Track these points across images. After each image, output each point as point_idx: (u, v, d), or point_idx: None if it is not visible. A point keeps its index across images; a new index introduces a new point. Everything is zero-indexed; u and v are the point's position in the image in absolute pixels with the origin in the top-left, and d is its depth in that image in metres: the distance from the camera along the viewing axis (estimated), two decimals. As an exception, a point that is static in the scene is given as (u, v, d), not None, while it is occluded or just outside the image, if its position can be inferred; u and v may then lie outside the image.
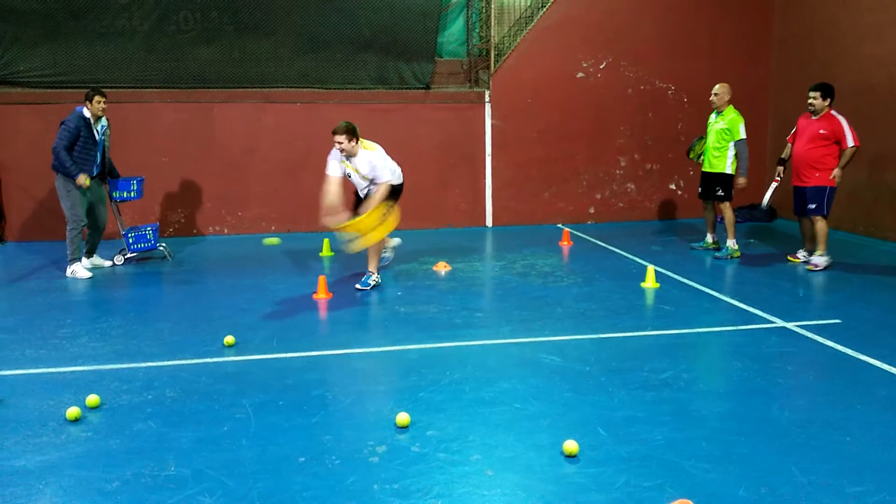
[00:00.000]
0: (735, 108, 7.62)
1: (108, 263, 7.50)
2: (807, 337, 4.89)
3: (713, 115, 7.75)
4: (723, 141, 7.52)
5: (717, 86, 7.66)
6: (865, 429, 3.44)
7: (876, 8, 8.59)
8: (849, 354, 4.51)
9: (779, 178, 7.37)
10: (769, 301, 5.85)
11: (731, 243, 7.61)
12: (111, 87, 8.81)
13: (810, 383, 4.11)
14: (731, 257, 7.54)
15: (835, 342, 4.73)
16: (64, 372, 4.33)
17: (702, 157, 7.90)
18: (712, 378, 4.22)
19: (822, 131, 6.88)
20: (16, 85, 8.94)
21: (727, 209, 7.65)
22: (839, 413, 3.63)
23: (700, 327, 5.15)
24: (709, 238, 8.08)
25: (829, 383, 4.09)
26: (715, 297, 6.03)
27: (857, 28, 8.91)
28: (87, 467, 3.11)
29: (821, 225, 7.00)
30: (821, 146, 6.90)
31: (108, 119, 7.32)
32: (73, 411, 3.59)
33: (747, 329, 5.09)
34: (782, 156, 7.42)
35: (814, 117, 6.97)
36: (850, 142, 6.78)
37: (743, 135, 7.45)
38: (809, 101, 6.99)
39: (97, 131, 7.08)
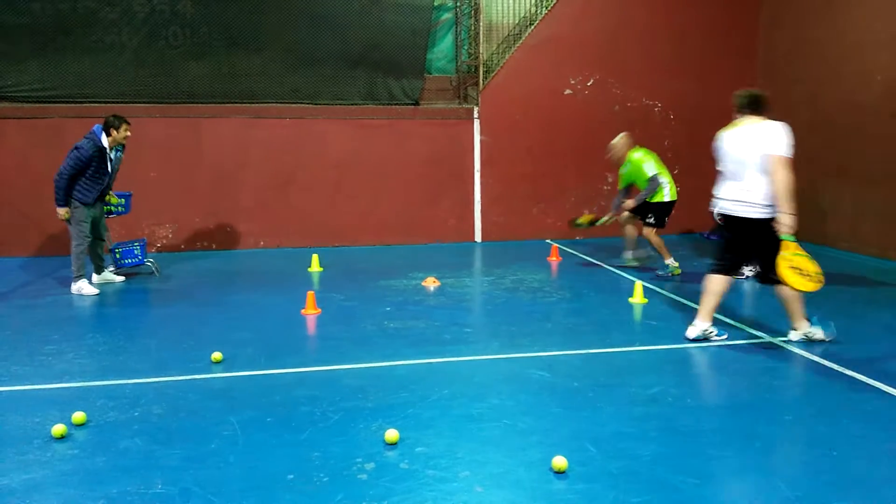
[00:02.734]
0: (642, 147, 7.69)
1: (119, 279, 7.45)
2: (793, 352, 4.93)
3: (622, 168, 7.85)
4: (644, 182, 7.57)
5: (612, 142, 7.80)
6: (851, 444, 3.46)
7: (857, 28, 8.73)
8: (834, 369, 4.54)
9: None
10: (755, 316, 5.90)
11: (670, 261, 7.62)
12: (100, 103, 8.82)
13: (797, 398, 4.14)
14: (673, 274, 7.55)
15: (820, 357, 4.77)
16: (50, 388, 4.29)
17: (594, 223, 8.40)
18: (700, 393, 4.24)
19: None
20: (3, 100, 8.90)
21: (652, 234, 7.65)
22: (825, 428, 3.65)
23: (688, 343, 5.18)
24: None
25: (816, 398, 4.12)
26: (702, 312, 6.06)
27: (840, 48, 9.04)
28: (72, 485, 3.08)
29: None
30: None
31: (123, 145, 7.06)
32: (58, 428, 3.56)
33: (734, 344, 5.12)
34: None
35: None
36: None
37: (650, 172, 7.46)
38: None
39: (110, 161, 6.91)
